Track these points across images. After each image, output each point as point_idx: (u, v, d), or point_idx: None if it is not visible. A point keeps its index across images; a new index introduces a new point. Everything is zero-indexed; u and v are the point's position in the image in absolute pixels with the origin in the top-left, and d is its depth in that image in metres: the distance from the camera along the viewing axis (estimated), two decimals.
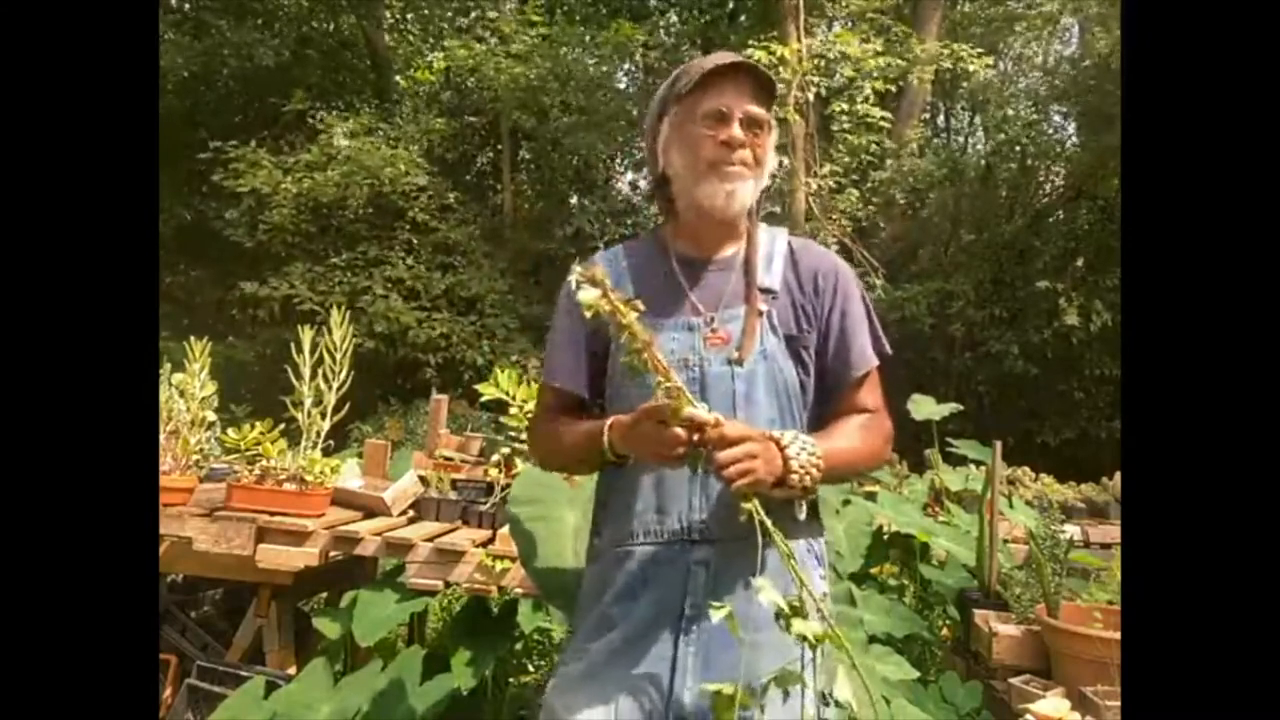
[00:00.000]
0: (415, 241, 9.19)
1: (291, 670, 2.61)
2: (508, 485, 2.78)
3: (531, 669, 3.30)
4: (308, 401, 2.76)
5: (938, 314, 8.50)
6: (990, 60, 8.90)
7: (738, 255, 1.42)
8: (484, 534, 2.69)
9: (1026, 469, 4.55)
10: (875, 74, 7.99)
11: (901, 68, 8.25)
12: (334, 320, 2.83)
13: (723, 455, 1.16)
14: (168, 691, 2.63)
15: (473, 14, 10.72)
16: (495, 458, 2.99)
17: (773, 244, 1.44)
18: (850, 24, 9.00)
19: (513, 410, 2.99)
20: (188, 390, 2.79)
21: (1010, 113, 9.54)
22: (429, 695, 2.24)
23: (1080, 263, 8.74)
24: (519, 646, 3.16)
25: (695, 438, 1.17)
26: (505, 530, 2.52)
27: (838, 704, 1.29)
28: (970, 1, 11.64)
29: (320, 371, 2.78)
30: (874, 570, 3.34)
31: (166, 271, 9.55)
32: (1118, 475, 4.26)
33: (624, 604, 1.32)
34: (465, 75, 9.49)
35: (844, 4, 8.72)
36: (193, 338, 2.85)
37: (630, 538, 1.34)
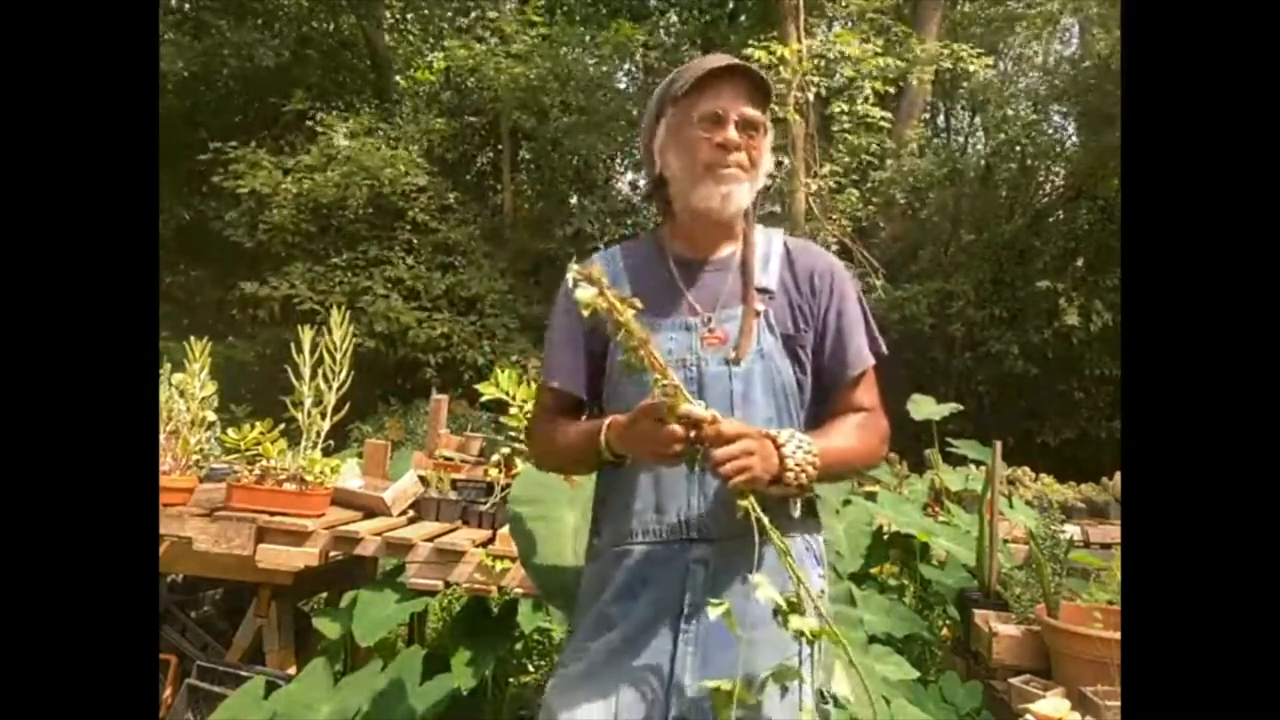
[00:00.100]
0: (415, 241, 9.19)
1: (291, 670, 2.61)
2: (508, 485, 2.78)
3: (531, 669, 3.30)
4: (308, 401, 2.76)
5: (938, 314, 8.50)
6: (990, 60, 8.90)
7: (734, 256, 1.43)
8: (484, 534, 2.69)
9: (1026, 469, 4.55)
10: (875, 74, 7.99)
11: (901, 68, 8.25)
12: (334, 320, 2.83)
13: (719, 452, 1.16)
14: (168, 691, 2.63)
15: (473, 14, 10.72)
16: (495, 458, 2.99)
17: (769, 244, 1.45)
18: (850, 24, 9.00)
19: (513, 410, 2.99)
20: (188, 390, 2.79)
21: (1010, 113, 9.55)
22: (429, 695, 2.24)
23: (1080, 263, 8.74)
24: (519, 646, 3.16)
25: (692, 435, 1.17)
26: (505, 530, 2.52)
27: (837, 702, 1.30)
28: (970, 1, 11.64)
29: (320, 371, 2.78)
30: (874, 570, 3.34)
31: (166, 271, 9.55)
32: (1118, 475, 4.26)
33: (623, 603, 1.32)
34: (465, 75, 9.49)
35: (844, 4, 8.71)
36: (193, 338, 2.85)
37: (629, 536, 1.35)
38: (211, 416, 2.86)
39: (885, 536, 3.36)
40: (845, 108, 8.29)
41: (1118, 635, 2.14)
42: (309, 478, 2.61)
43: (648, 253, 1.46)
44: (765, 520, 1.16)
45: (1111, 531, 3.69)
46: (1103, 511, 4.01)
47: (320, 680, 2.28)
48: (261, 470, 2.62)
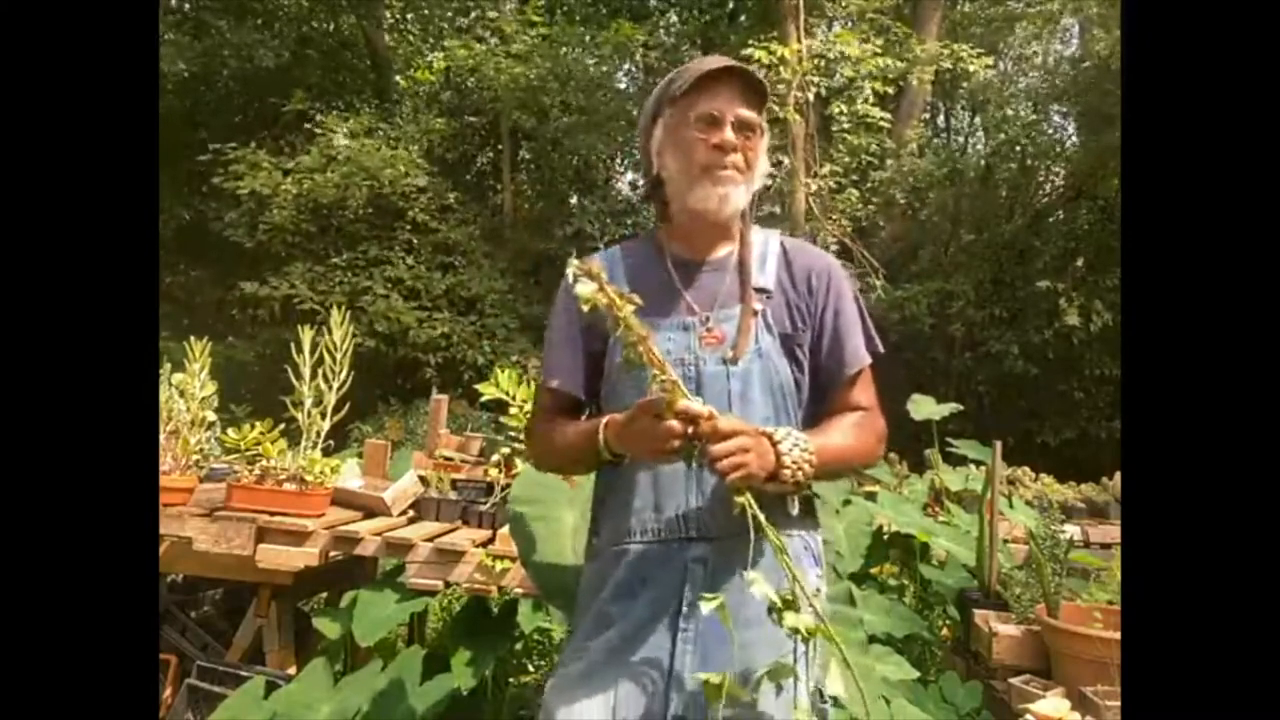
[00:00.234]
0: (415, 241, 9.19)
1: (291, 670, 2.61)
2: (508, 485, 2.78)
3: (531, 669, 3.30)
4: (308, 401, 2.76)
5: (938, 314, 8.50)
6: (990, 60, 8.90)
7: (732, 256, 1.43)
8: (484, 534, 2.69)
9: (1026, 469, 4.55)
10: (875, 74, 7.99)
11: (901, 68, 8.26)
12: (334, 320, 2.83)
13: (716, 448, 1.17)
14: (168, 691, 2.63)
15: (473, 14, 10.72)
16: (495, 458, 2.99)
17: (766, 244, 1.46)
18: (850, 24, 9.00)
19: (513, 410, 2.99)
20: (188, 390, 2.79)
21: (1010, 113, 9.55)
22: (429, 695, 2.24)
23: (1080, 263, 8.74)
24: (519, 646, 3.16)
25: (689, 431, 1.18)
26: (505, 530, 2.52)
27: (837, 702, 1.30)
28: (970, 1, 11.64)
29: (320, 371, 2.78)
30: (874, 570, 3.34)
31: (166, 271, 9.55)
32: (1118, 475, 4.26)
33: (622, 602, 1.33)
34: (465, 75, 9.49)
35: (844, 4, 8.72)
36: (193, 338, 2.85)
37: (628, 535, 1.35)
38: (211, 416, 2.86)
39: (885, 536, 3.36)
40: (845, 108, 8.29)
41: (1118, 635, 2.14)
42: (309, 478, 2.61)
43: (646, 253, 1.47)
44: (762, 517, 1.16)
45: (1111, 531, 3.69)
46: (1103, 511, 4.01)
47: (320, 680, 2.28)
48: (261, 470, 2.62)
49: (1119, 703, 1.95)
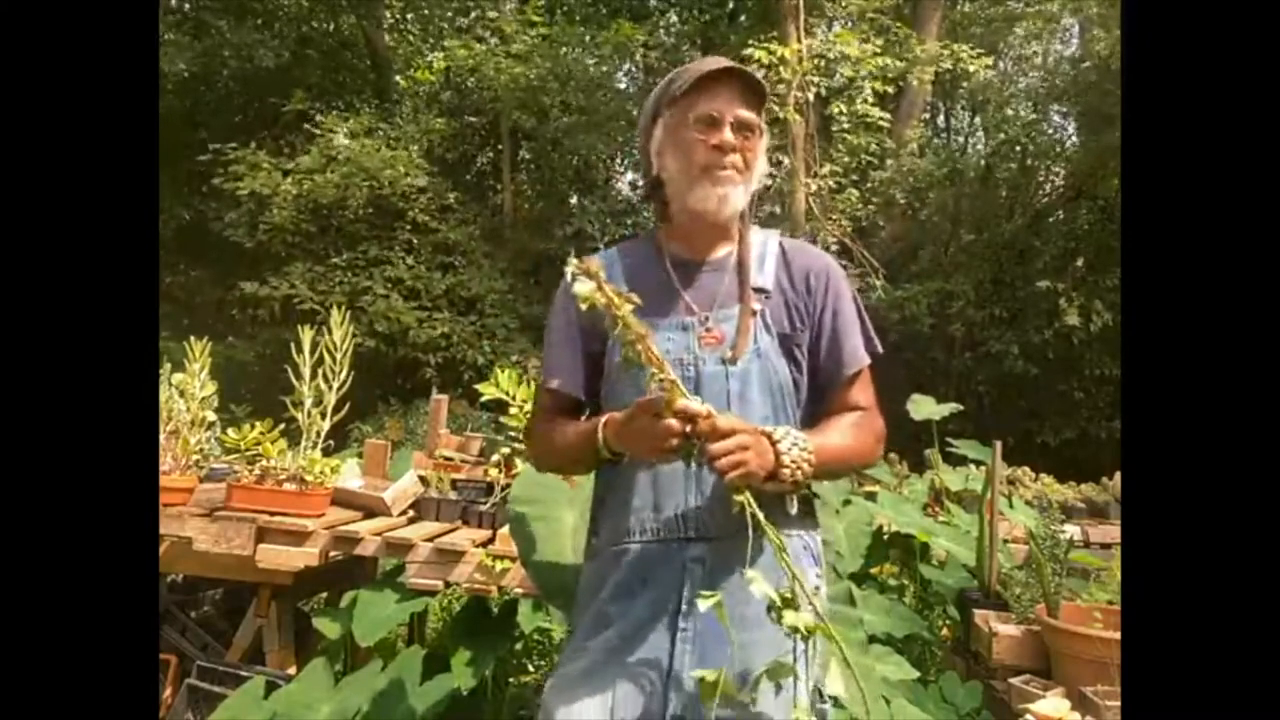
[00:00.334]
0: (415, 241, 9.19)
1: (291, 670, 2.61)
2: (508, 485, 2.78)
3: (531, 669, 3.30)
4: (308, 401, 2.76)
5: (938, 314, 8.50)
6: (990, 61, 8.90)
7: (731, 256, 1.44)
8: (484, 534, 2.69)
9: (1026, 469, 4.55)
10: (875, 74, 7.99)
11: (901, 68, 8.26)
12: (334, 320, 2.83)
13: (715, 447, 1.17)
14: (168, 691, 2.63)
15: (473, 14, 10.72)
16: (495, 458, 2.99)
17: (765, 245, 1.46)
18: (850, 24, 9.00)
19: (513, 410, 2.99)
20: (188, 390, 2.79)
21: (1010, 113, 9.55)
22: (429, 695, 2.24)
23: (1080, 263, 8.74)
24: (519, 646, 3.16)
25: (688, 430, 1.18)
26: (505, 530, 2.52)
27: (837, 702, 1.30)
28: (970, 1, 11.64)
29: (320, 371, 2.78)
30: (874, 570, 3.34)
31: (166, 271, 9.55)
32: (1118, 475, 4.26)
33: (621, 602, 1.33)
34: (465, 75, 9.49)
35: (844, 4, 8.72)
36: (193, 338, 2.85)
37: (627, 535, 1.35)
38: (211, 416, 2.86)
39: (885, 536, 3.36)
40: (845, 108, 8.29)
41: (1118, 635, 2.14)
42: (309, 478, 2.61)
43: (645, 253, 1.47)
44: (761, 515, 1.16)
45: (1111, 531, 3.69)
46: (1103, 511, 4.01)
47: (320, 680, 2.28)
48: (261, 470, 2.62)
49: (1119, 703, 1.95)
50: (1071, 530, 3.15)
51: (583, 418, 1.47)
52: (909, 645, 2.99)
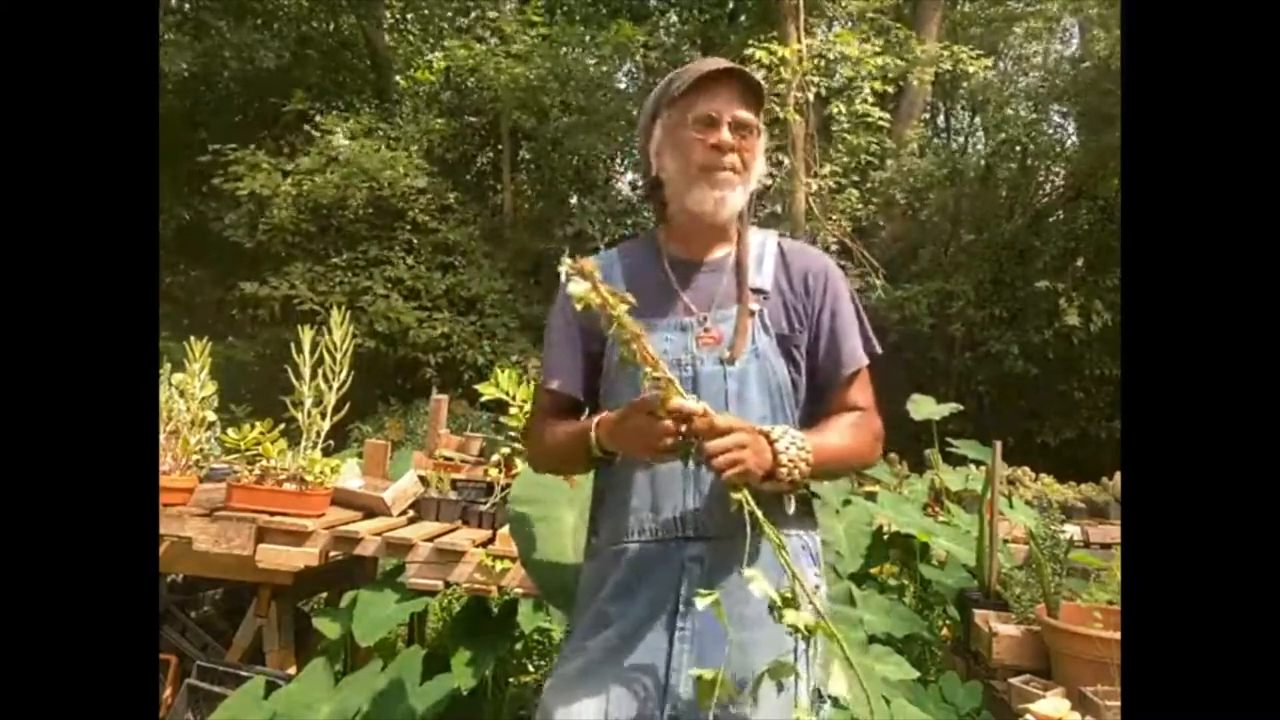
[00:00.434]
0: (415, 241, 9.19)
1: (291, 670, 2.61)
2: (508, 485, 2.78)
3: (531, 669, 3.30)
4: (308, 401, 2.76)
5: (938, 314, 8.50)
6: (989, 62, 8.90)
7: (729, 257, 1.44)
8: (484, 534, 2.69)
9: (1026, 469, 4.55)
10: (875, 74, 7.99)
11: (901, 68, 8.26)
12: (334, 320, 2.83)
13: (712, 445, 1.17)
14: (168, 691, 2.63)
15: (473, 14, 10.72)
16: (495, 458, 2.99)
17: (764, 245, 1.46)
18: (850, 24, 9.00)
19: (513, 410, 2.99)
20: (188, 390, 2.79)
21: (1010, 113, 9.55)
22: (429, 695, 2.24)
23: (1080, 263, 8.74)
24: (519, 646, 3.16)
25: (684, 429, 1.18)
26: (505, 530, 2.52)
27: (837, 702, 1.30)
28: (970, 1, 11.64)
29: (320, 371, 2.78)
30: (874, 570, 3.34)
31: (166, 271, 9.55)
32: (1118, 475, 4.26)
33: (620, 601, 1.33)
34: (465, 75, 9.49)
35: (844, 4, 8.71)
36: (193, 338, 2.85)
37: (625, 535, 1.36)
38: (211, 416, 2.86)
39: (885, 536, 3.36)
40: (845, 108, 8.29)
41: (1118, 635, 2.14)
42: (309, 478, 2.61)
43: (644, 254, 1.48)
44: (760, 514, 1.16)
45: (1111, 531, 3.69)
46: (1103, 511, 4.01)
47: (320, 680, 2.28)
48: (261, 470, 2.62)
49: (1119, 703, 1.95)
50: (1071, 530, 3.15)
51: (582, 418, 1.47)
52: (909, 645, 2.99)
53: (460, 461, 3.18)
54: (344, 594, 2.66)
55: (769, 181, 7.89)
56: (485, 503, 2.81)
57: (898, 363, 8.08)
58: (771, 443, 1.22)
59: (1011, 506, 3.62)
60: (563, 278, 1.20)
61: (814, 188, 8.05)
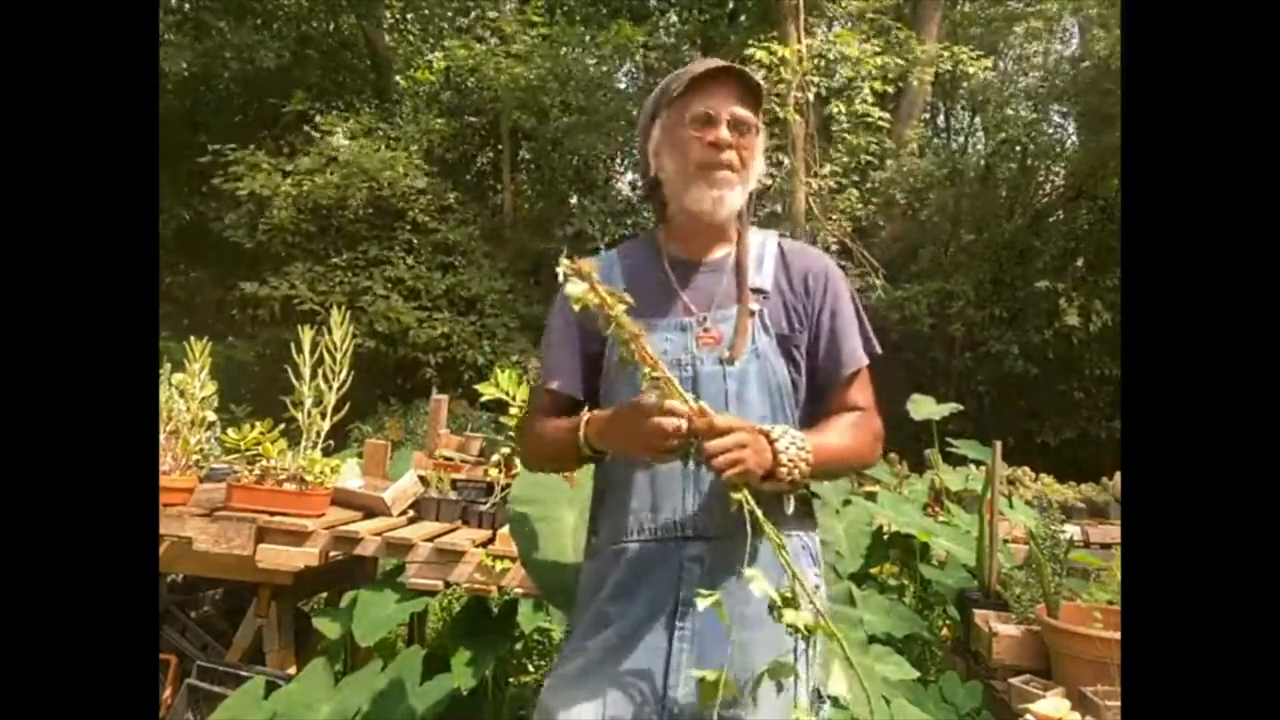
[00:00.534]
0: (415, 241, 9.20)
1: (291, 670, 2.61)
2: (508, 485, 2.78)
3: (531, 669, 3.30)
4: (308, 401, 2.76)
5: (938, 314, 8.50)
6: (989, 63, 8.89)
7: (729, 257, 1.44)
8: (484, 534, 2.69)
9: (1026, 469, 4.54)
10: (875, 74, 7.99)
11: (901, 68, 8.25)
12: (334, 320, 2.83)
13: (711, 445, 1.17)
14: (168, 691, 2.63)
15: (473, 14, 10.72)
16: (495, 458, 2.99)
17: (764, 246, 1.46)
18: (850, 24, 9.00)
19: (513, 410, 2.99)
20: (188, 390, 2.79)
21: (1010, 113, 9.55)
22: (429, 695, 2.24)
23: (1080, 263, 8.75)
24: (519, 646, 3.16)
25: (683, 428, 1.17)
26: (505, 530, 2.52)
27: (837, 702, 1.30)
28: (970, 1, 11.64)
29: (320, 371, 2.78)
30: (874, 570, 3.34)
31: (166, 271, 9.55)
32: (1118, 475, 4.26)
33: (619, 601, 1.33)
34: (465, 75, 9.49)
35: (844, 4, 8.71)
36: (193, 338, 2.85)
37: (625, 535, 1.36)
38: (211, 416, 2.86)
39: (885, 536, 3.36)
40: (845, 108, 8.29)
41: (1118, 635, 2.14)
42: (309, 478, 2.61)
43: (644, 254, 1.48)
44: (759, 513, 1.16)
45: (1111, 531, 3.69)
46: (1103, 511, 4.01)
47: (320, 680, 2.28)
48: (261, 470, 2.62)
49: (1119, 703, 1.95)
50: (1071, 530, 3.15)
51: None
52: (909, 645, 2.99)
53: (460, 461, 3.18)
54: (344, 594, 2.66)
55: (769, 181, 7.89)
56: (485, 503, 2.82)
57: (898, 363, 8.08)
58: (771, 442, 1.22)
59: (1011, 506, 3.62)
60: (560, 278, 1.20)
61: (814, 188, 8.05)
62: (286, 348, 2.93)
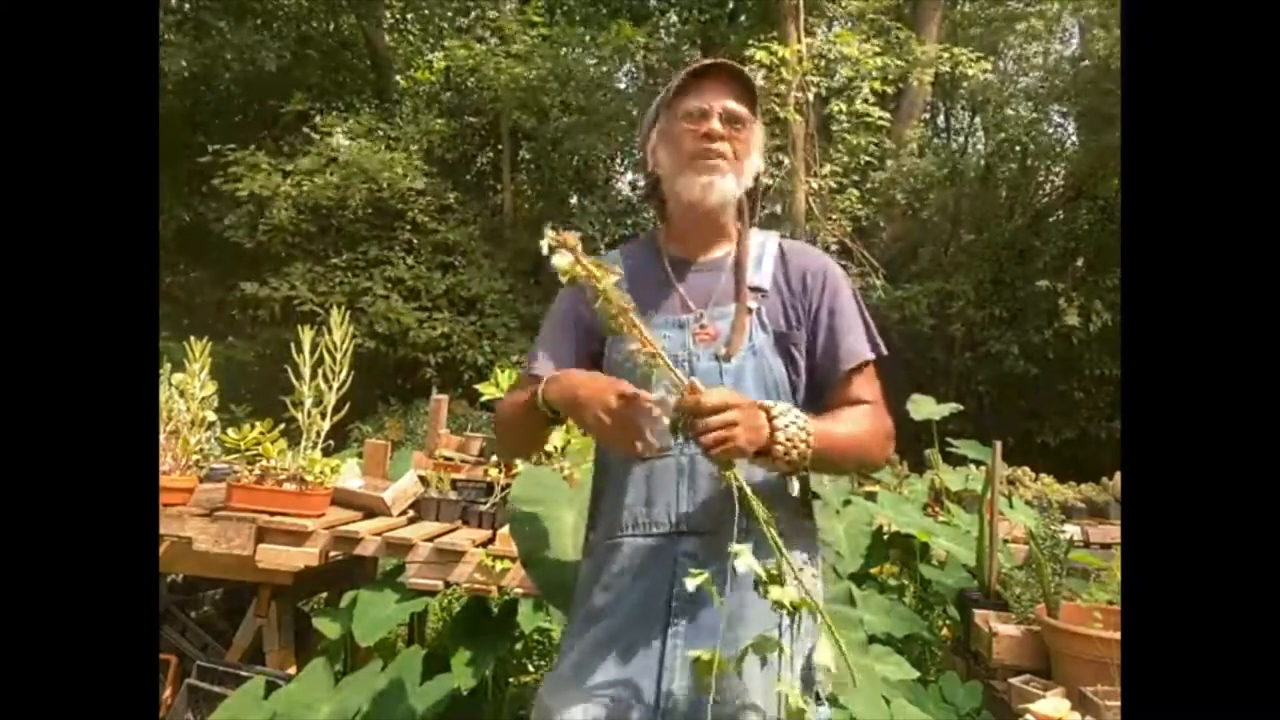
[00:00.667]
0: (415, 242, 9.20)
1: (291, 670, 2.61)
2: (508, 485, 2.78)
3: (531, 669, 3.30)
4: (308, 401, 2.76)
5: (938, 314, 8.51)
6: (988, 64, 8.89)
7: (729, 256, 1.45)
8: (484, 534, 2.69)
9: (1026, 469, 4.54)
10: (875, 74, 7.99)
11: (901, 68, 8.26)
12: (334, 320, 2.83)
13: (700, 422, 1.16)
14: (168, 691, 2.63)
15: (473, 14, 10.73)
16: (495, 458, 2.99)
17: (764, 245, 1.47)
18: (850, 24, 9.00)
19: None
20: (188, 390, 2.79)
21: (1010, 113, 9.55)
22: (429, 695, 2.24)
23: (1080, 263, 8.75)
24: (519, 646, 3.16)
25: (675, 400, 1.17)
26: (505, 530, 2.52)
27: (835, 702, 1.29)
28: (970, 1, 11.64)
29: (320, 371, 2.78)
30: (874, 570, 3.34)
31: (166, 272, 9.55)
32: (1118, 475, 4.26)
33: (614, 596, 1.34)
34: (465, 75, 9.50)
35: (844, 4, 8.72)
36: (193, 338, 2.85)
37: (620, 530, 1.36)
38: (211, 416, 2.86)
39: (885, 536, 3.36)
40: (845, 108, 8.29)
41: (1118, 635, 2.14)
42: (309, 478, 2.61)
43: (645, 253, 1.49)
44: (749, 490, 1.15)
45: (1111, 531, 3.69)
46: (1103, 511, 4.00)
47: (320, 680, 2.28)
48: (261, 470, 2.62)
49: (1119, 703, 1.95)
50: (1071, 530, 3.15)
51: None
52: (909, 645, 2.99)
53: (460, 461, 3.18)
54: (344, 594, 2.66)
55: (769, 181, 7.87)
56: (485, 503, 2.82)
57: (898, 363, 8.06)
58: (771, 419, 1.21)
59: (1011, 506, 3.62)
60: (545, 250, 1.19)
61: (814, 188, 8.05)
62: (286, 348, 2.93)
